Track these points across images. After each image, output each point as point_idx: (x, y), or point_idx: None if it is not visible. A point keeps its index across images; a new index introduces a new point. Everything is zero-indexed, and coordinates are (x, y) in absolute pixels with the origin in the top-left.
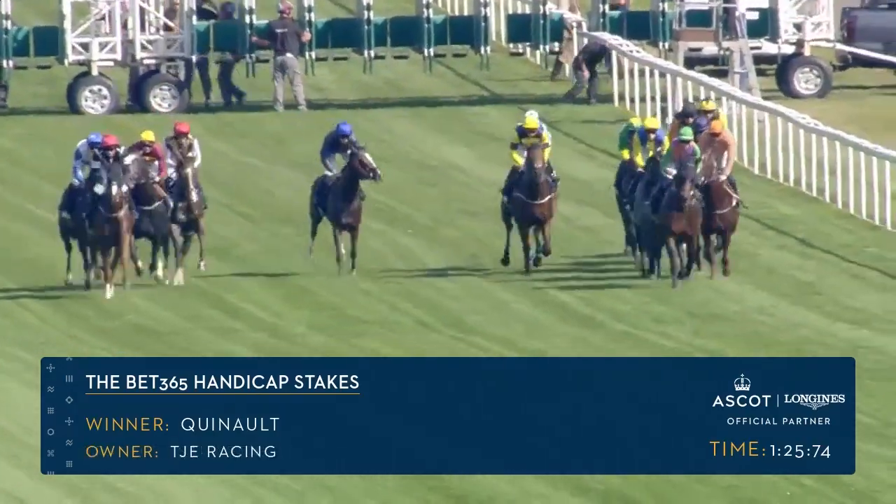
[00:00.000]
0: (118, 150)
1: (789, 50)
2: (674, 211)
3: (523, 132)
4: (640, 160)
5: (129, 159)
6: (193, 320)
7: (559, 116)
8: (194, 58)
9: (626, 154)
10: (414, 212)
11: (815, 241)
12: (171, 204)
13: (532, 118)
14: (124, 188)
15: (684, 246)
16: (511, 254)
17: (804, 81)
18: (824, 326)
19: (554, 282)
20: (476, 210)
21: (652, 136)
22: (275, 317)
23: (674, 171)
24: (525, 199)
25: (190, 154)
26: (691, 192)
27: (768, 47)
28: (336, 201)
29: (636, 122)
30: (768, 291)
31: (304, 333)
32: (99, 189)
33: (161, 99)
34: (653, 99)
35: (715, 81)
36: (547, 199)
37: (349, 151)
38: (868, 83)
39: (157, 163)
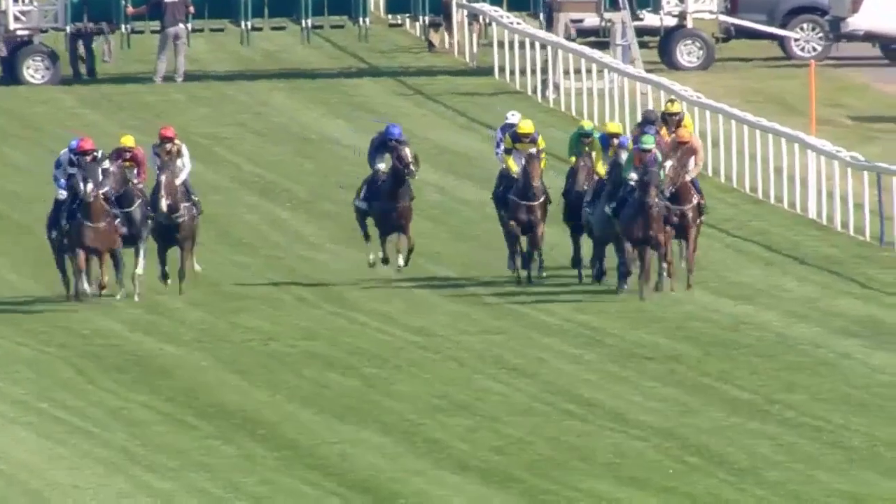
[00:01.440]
0: (96, 154)
1: (672, 22)
2: (638, 217)
3: (517, 137)
4: (600, 168)
5: (110, 168)
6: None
7: (439, 89)
8: (68, 28)
9: (574, 160)
10: (292, 185)
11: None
12: (196, 214)
13: (527, 123)
14: (105, 189)
15: (654, 255)
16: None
17: (687, 53)
18: (708, 302)
19: (434, 257)
20: (355, 183)
21: (615, 140)
22: (151, 292)
23: (635, 178)
24: (518, 201)
25: (179, 161)
26: (656, 199)
27: (651, 19)
28: (383, 201)
29: (587, 125)
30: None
31: (182, 309)
32: (78, 189)
33: (34, 70)
34: (533, 72)
35: (597, 53)
36: (541, 200)
37: (394, 147)
38: (751, 55)
39: (136, 170)
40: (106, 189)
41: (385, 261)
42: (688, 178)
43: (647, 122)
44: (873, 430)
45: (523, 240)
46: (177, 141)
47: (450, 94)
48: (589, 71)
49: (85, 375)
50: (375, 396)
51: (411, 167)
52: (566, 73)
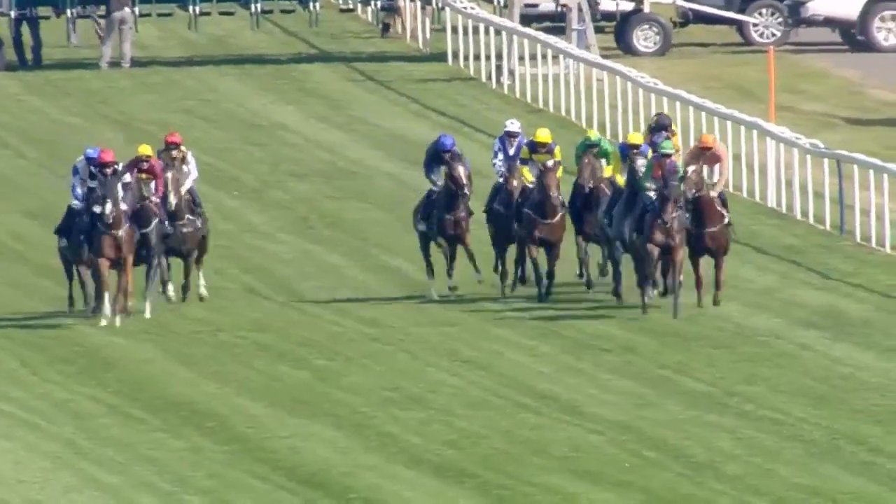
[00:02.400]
0: (116, 167)
1: (628, 6)
2: (656, 232)
3: (534, 147)
4: (619, 178)
5: (130, 181)
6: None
7: (391, 75)
8: (12, 13)
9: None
10: (240, 173)
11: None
12: (167, 225)
13: (544, 133)
14: (123, 206)
15: (671, 260)
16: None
17: (643, 39)
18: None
19: (384, 247)
20: (304, 172)
21: (635, 151)
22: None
23: (654, 188)
24: (534, 216)
25: (184, 168)
26: (674, 215)
27: (607, 3)
28: (439, 213)
29: (593, 136)
30: None
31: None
32: (97, 209)
33: None
34: (487, 58)
35: (552, 39)
36: (558, 217)
37: (448, 163)
38: (709, 41)
39: (153, 183)
40: (125, 207)
41: (450, 289)
42: (713, 193)
43: (661, 127)
44: (833, 424)
45: (508, 253)
46: (182, 148)
47: (402, 80)
48: (544, 57)
49: (29, 367)
50: (327, 389)
51: (465, 190)
52: (521, 58)
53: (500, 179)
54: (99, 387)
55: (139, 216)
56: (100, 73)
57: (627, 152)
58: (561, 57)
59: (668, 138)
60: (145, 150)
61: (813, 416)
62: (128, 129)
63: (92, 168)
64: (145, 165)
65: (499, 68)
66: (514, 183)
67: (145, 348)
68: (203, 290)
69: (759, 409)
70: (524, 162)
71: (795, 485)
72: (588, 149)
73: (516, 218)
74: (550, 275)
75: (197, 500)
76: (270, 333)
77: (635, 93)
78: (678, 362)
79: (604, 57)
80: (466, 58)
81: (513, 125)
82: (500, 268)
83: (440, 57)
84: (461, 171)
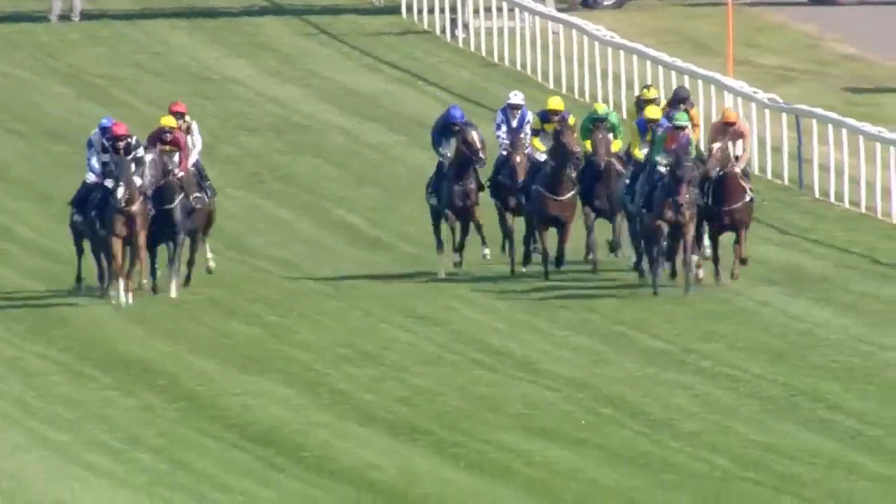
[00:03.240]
0: (130, 140)
1: None
2: (667, 212)
3: (546, 116)
4: (638, 153)
5: (147, 157)
6: None
7: (343, 28)
8: None
9: (588, 145)
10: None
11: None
12: (207, 190)
13: (556, 101)
14: (138, 181)
15: (680, 242)
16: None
17: None
18: (622, 249)
19: (336, 201)
20: (256, 126)
21: (653, 126)
22: (49, 239)
23: (665, 163)
24: (545, 193)
25: (188, 140)
26: (687, 196)
27: None
28: (449, 185)
29: (600, 109)
30: None
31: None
32: (109, 184)
33: None
34: (442, 11)
35: None
36: (570, 194)
37: (459, 131)
38: None
39: (177, 156)
40: (140, 183)
41: (458, 248)
42: (737, 168)
43: (679, 99)
44: (791, 380)
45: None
46: (187, 117)
47: (356, 33)
48: (499, 10)
49: None
50: (279, 346)
51: (480, 154)
52: (476, 12)
53: (503, 152)
54: (49, 344)
55: (162, 191)
56: (49, 26)
57: (646, 127)
58: (517, 10)
59: (686, 111)
60: (168, 121)
61: (771, 372)
62: (78, 82)
63: (105, 141)
64: (168, 137)
65: (453, 21)
66: (518, 158)
67: (96, 306)
68: (212, 263)
69: (717, 365)
70: (536, 133)
71: (753, 442)
72: (595, 122)
73: (525, 195)
74: (560, 257)
75: (148, 458)
76: (221, 290)
77: (592, 47)
78: (635, 319)
79: (560, 10)
80: (420, 11)
81: (516, 97)
82: (506, 247)
83: (394, 10)
84: (475, 135)
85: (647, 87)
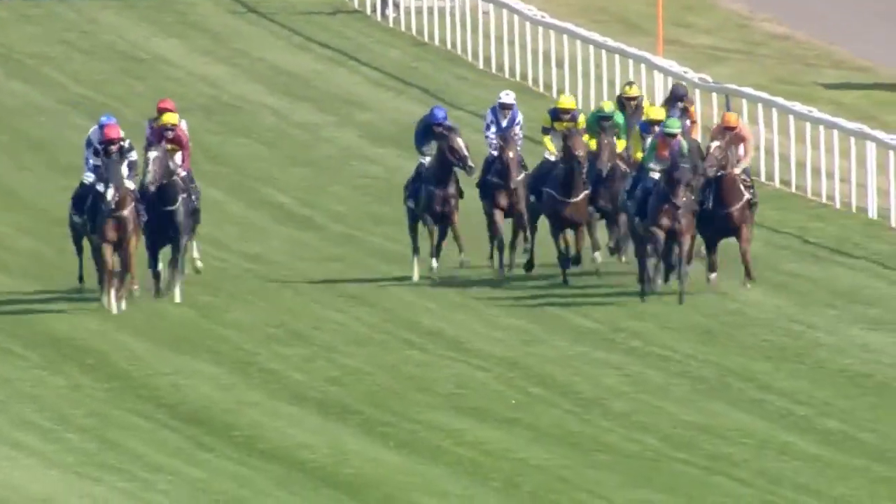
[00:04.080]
0: (122, 143)
1: None
2: (664, 207)
3: (556, 115)
4: (640, 155)
5: (152, 154)
6: None
7: (274, 7)
8: None
9: (593, 144)
10: (121, 107)
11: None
12: (197, 199)
13: (567, 99)
14: (130, 186)
15: (676, 249)
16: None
17: None
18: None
19: (266, 181)
20: (188, 106)
21: (656, 128)
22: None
23: (658, 168)
24: (557, 197)
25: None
26: (683, 199)
27: None
28: (428, 189)
29: (606, 107)
30: None
31: (10, 235)
32: (100, 188)
33: None
34: None
35: None
36: (582, 196)
37: (442, 135)
38: None
39: (179, 154)
40: (133, 188)
41: (430, 269)
42: (736, 170)
43: (676, 97)
44: (722, 360)
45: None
46: (176, 115)
47: (286, 12)
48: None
49: None
50: (209, 325)
51: (469, 162)
52: None
53: (493, 153)
54: None
55: (165, 191)
56: None
57: (648, 129)
58: None
59: (684, 109)
60: (170, 118)
61: (701, 352)
62: (7, 62)
63: (96, 145)
64: (170, 135)
65: (384, 1)
66: (511, 154)
67: (25, 284)
68: (199, 263)
69: (647, 345)
70: (546, 131)
71: (683, 422)
72: (601, 121)
73: (536, 196)
74: (577, 256)
75: (77, 438)
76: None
77: (522, 26)
78: (566, 299)
79: None
80: None
81: (507, 97)
82: (493, 253)
83: None
84: (460, 142)
85: (630, 84)
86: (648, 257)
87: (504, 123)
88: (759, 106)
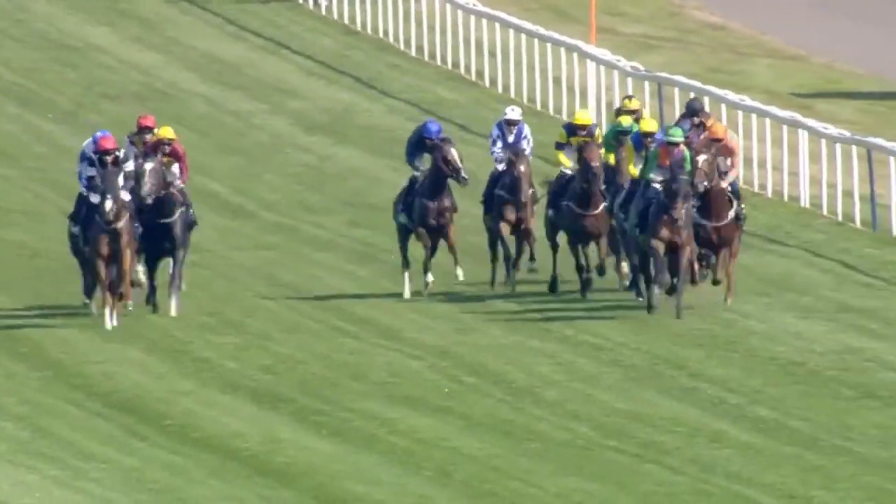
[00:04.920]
0: (118, 154)
1: None
2: (663, 219)
3: (572, 130)
4: (633, 170)
5: (148, 166)
6: None
7: None
8: None
9: (611, 159)
10: (54, 95)
11: (474, 127)
12: (193, 213)
13: (584, 114)
14: (126, 197)
15: (676, 258)
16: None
17: None
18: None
19: (199, 169)
20: (118, 94)
21: (649, 140)
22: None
23: (660, 179)
24: (576, 210)
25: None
26: (683, 211)
27: None
28: (423, 202)
29: (625, 121)
30: None
31: None
32: (94, 200)
33: None
34: None
35: None
36: (601, 208)
37: (436, 147)
38: None
39: (175, 167)
40: (129, 199)
41: (426, 284)
42: (723, 184)
43: (691, 112)
44: (653, 348)
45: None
46: (156, 131)
47: (218, 0)
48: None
49: None
50: (142, 313)
51: (463, 173)
52: None
53: (500, 167)
54: None
55: (162, 204)
56: None
57: (641, 142)
58: None
59: (700, 124)
60: (167, 132)
61: (633, 340)
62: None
63: (91, 154)
64: (167, 149)
65: None
66: (522, 168)
67: None
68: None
69: (580, 334)
70: (560, 147)
71: (615, 410)
72: (619, 135)
73: (555, 210)
74: (600, 267)
75: (11, 426)
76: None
77: (455, 14)
78: (498, 288)
79: None
80: None
81: (513, 112)
82: (493, 276)
83: None
84: (454, 153)
85: (629, 97)
86: (650, 271)
87: (511, 139)
88: (692, 95)
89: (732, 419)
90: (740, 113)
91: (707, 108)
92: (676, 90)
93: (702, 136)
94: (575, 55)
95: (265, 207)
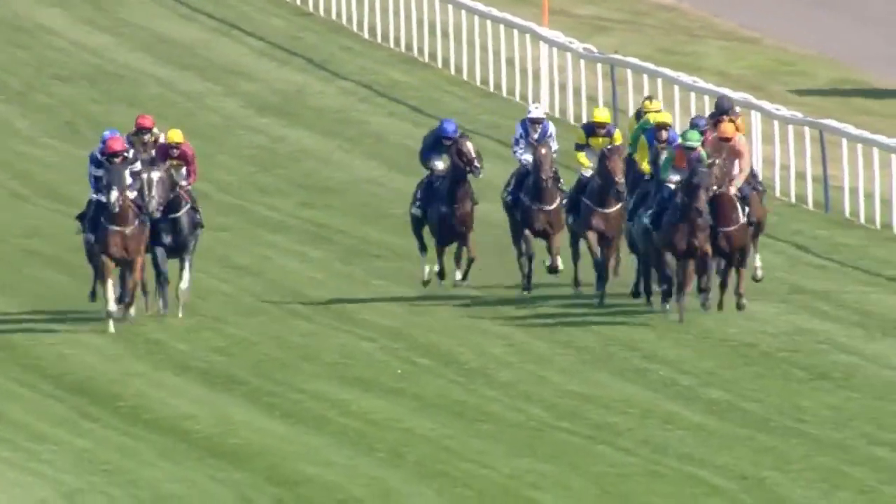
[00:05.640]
0: (126, 154)
1: None
2: (682, 224)
3: (591, 129)
4: (646, 166)
5: (155, 176)
6: None
7: None
8: None
9: (639, 158)
10: (4, 76)
11: (427, 109)
12: (199, 210)
13: (602, 112)
14: (131, 194)
15: (692, 265)
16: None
17: None
18: None
19: None
20: (70, 75)
21: (664, 134)
22: None
23: (676, 179)
24: (593, 207)
25: (153, 152)
26: (705, 204)
27: None
28: (440, 205)
29: (653, 118)
30: (377, 161)
31: None
32: (101, 197)
33: None
34: None
35: None
36: (617, 207)
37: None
38: None
39: (184, 169)
40: (134, 194)
41: (441, 274)
42: (732, 189)
43: (720, 111)
44: (606, 330)
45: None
46: (155, 130)
47: None
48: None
49: None
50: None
51: (475, 164)
52: None
53: (524, 162)
54: None
55: (169, 203)
56: None
57: (654, 135)
58: None
59: (731, 120)
60: (176, 136)
61: (586, 322)
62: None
63: (99, 155)
64: (176, 152)
65: None
66: (543, 151)
67: None
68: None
69: (533, 315)
70: (580, 147)
71: (568, 391)
72: (645, 133)
73: (572, 210)
74: (604, 274)
75: None
76: (37, 239)
77: None
78: (451, 268)
79: None
80: None
81: (537, 110)
82: (525, 274)
83: None
84: (470, 146)
85: (649, 98)
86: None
87: (535, 137)
88: (645, 76)
89: (685, 401)
90: (693, 95)
91: (659, 90)
92: (628, 71)
93: (710, 137)
94: (528, 37)
95: (218, 189)
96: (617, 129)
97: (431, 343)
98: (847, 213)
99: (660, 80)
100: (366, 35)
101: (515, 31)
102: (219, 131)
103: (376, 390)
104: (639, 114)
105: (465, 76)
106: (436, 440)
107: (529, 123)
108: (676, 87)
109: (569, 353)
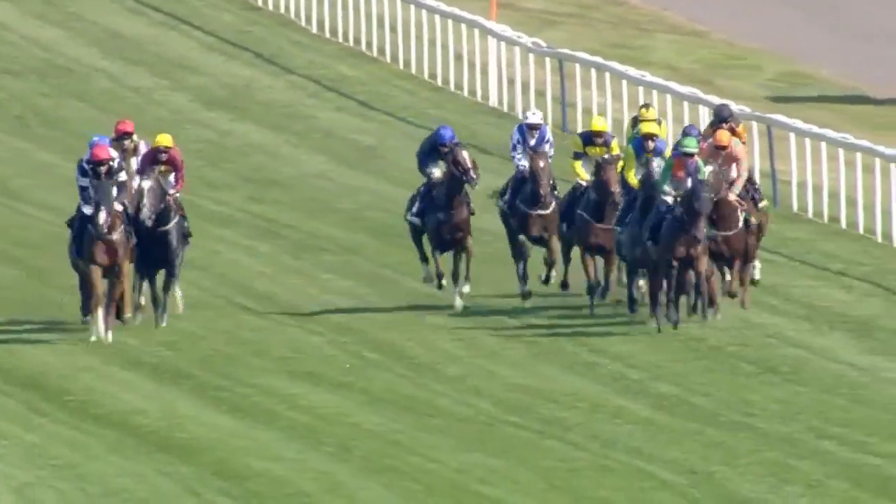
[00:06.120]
0: (111, 164)
1: None
2: (680, 237)
3: (589, 138)
4: (632, 178)
5: (146, 185)
6: None
7: None
8: None
9: (631, 176)
10: None
11: (375, 103)
12: (188, 224)
13: (600, 121)
14: (118, 207)
15: (692, 274)
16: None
17: None
18: (387, 191)
19: None
20: (19, 69)
21: (650, 144)
22: None
23: (674, 193)
24: (588, 219)
25: (133, 161)
26: (703, 230)
27: None
28: (436, 212)
29: (646, 128)
30: (326, 155)
31: None
32: (87, 211)
33: None
34: None
35: None
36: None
37: (449, 151)
38: None
39: (172, 176)
40: (120, 208)
41: (440, 276)
42: (731, 196)
43: (720, 119)
44: (554, 324)
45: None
46: (135, 137)
47: None
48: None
49: None
50: (42, 290)
51: (471, 173)
52: None
53: (522, 168)
54: None
55: (159, 215)
56: None
57: (641, 145)
58: None
59: (730, 129)
60: (165, 140)
61: (535, 316)
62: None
63: (84, 165)
64: (164, 157)
65: None
66: (541, 164)
67: None
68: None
69: (481, 309)
70: (578, 156)
71: (517, 385)
72: (633, 142)
73: (568, 222)
74: (606, 289)
75: None
76: None
77: None
78: (399, 262)
79: None
80: None
81: (534, 116)
82: (521, 277)
83: None
84: (465, 154)
85: (646, 106)
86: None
87: (532, 143)
88: (593, 71)
89: (634, 395)
90: (641, 89)
91: (608, 85)
92: (577, 66)
93: (705, 145)
94: (476, 31)
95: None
96: (614, 140)
97: (380, 337)
98: (795, 208)
99: (608, 75)
100: (314, 29)
101: (464, 26)
102: (166, 125)
103: (325, 384)
104: (635, 121)
105: (413, 70)
106: (384, 434)
107: (526, 129)
108: (625, 82)
109: (518, 347)
